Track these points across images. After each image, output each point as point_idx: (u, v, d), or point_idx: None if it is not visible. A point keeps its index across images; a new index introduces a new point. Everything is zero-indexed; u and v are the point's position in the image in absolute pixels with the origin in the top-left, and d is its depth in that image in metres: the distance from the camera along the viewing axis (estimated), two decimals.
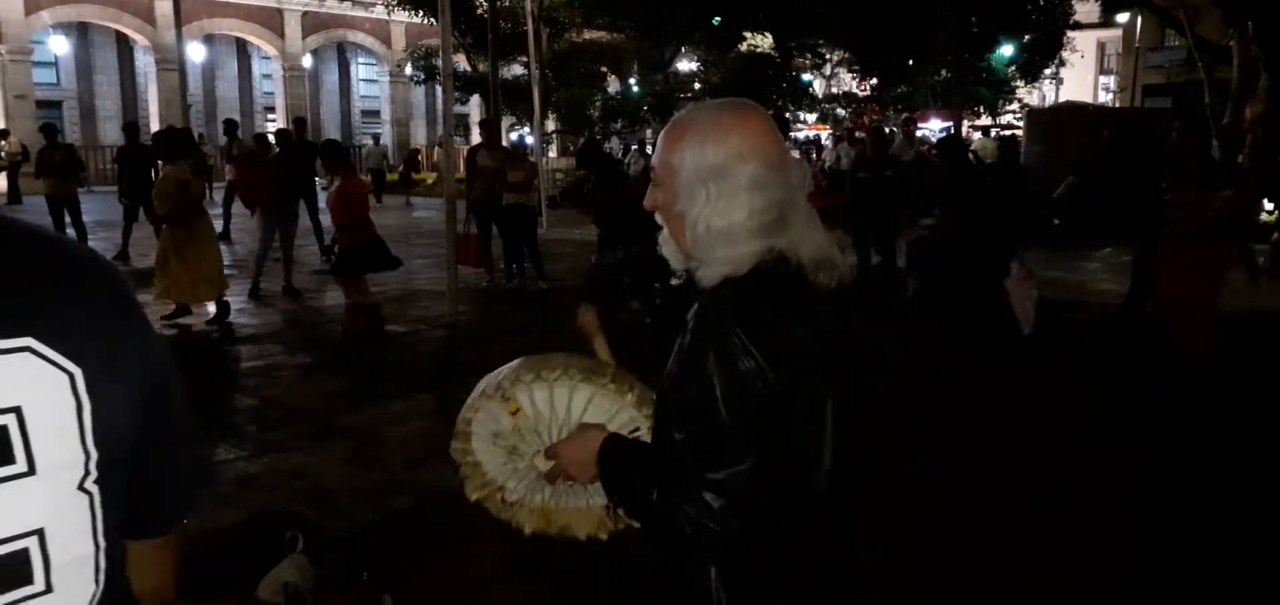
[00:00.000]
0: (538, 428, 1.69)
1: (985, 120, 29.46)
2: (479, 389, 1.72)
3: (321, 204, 11.11)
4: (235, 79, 35.34)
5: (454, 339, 7.99)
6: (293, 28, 32.11)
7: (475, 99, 29.09)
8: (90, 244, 11.10)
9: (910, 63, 26.18)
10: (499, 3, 20.17)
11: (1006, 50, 26.87)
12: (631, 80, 29.98)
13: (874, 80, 28.76)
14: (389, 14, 28.36)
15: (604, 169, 9.45)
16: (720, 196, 1.41)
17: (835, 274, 1.47)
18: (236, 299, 9.11)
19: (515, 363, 1.71)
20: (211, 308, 8.42)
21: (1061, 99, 30.20)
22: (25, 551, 0.75)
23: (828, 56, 31.39)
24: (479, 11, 21.77)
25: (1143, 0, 22.87)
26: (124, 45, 31.43)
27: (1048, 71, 29.39)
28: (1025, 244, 8.39)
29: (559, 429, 1.67)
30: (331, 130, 36.18)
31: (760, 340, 1.33)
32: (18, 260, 0.77)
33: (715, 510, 1.35)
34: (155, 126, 26.02)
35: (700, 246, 1.44)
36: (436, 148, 24.88)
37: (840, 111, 31.98)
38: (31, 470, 0.75)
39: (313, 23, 32.71)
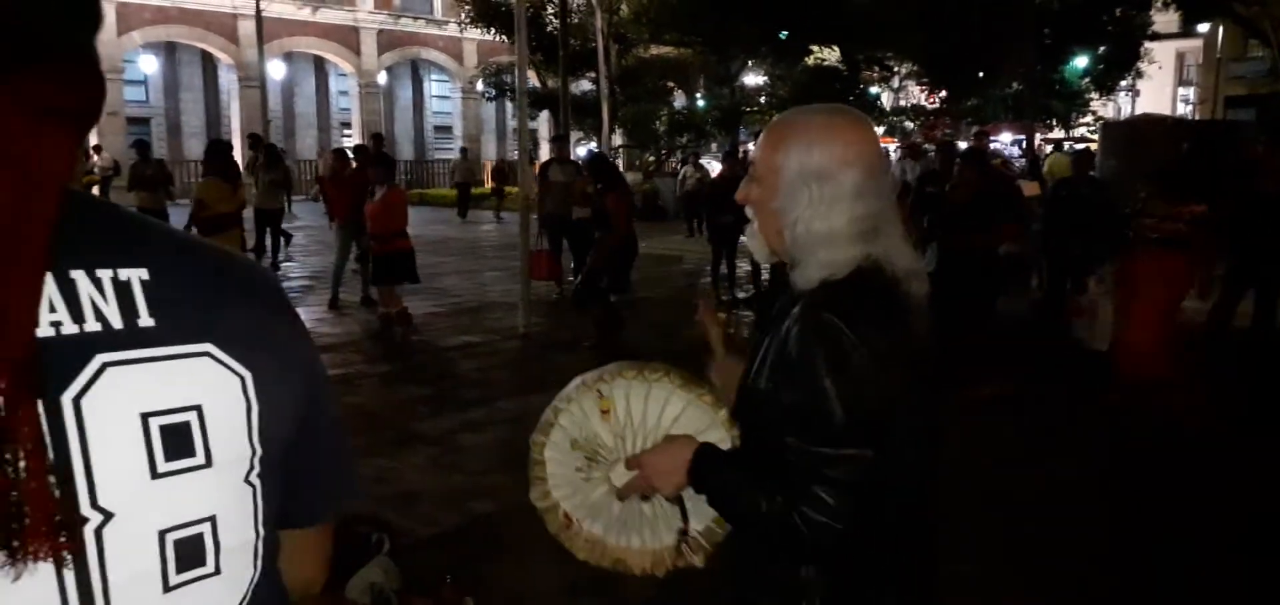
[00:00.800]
0: (623, 434, 1.62)
1: (1058, 133, 28.84)
2: (577, 381, 1.65)
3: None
4: (313, 95, 36.35)
5: (526, 350, 8.16)
6: (368, 45, 32.93)
7: (544, 115, 29.47)
8: None
9: (981, 75, 25.79)
10: (569, 20, 20.44)
11: (1080, 62, 26.29)
12: (697, 95, 30.04)
13: (943, 93, 28.40)
14: (462, 31, 28.94)
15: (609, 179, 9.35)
16: (823, 200, 1.43)
17: (923, 285, 1.49)
18: (316, 311, 9.42)
19: (617, 363, 1.66)
20: None
21: (1138, 111, 29.40)
22: (200, 536, 0.83)
23: (896, 69, 31.08)
24: (549, 29, 22.11)
25: (1225, 10, 22.21)
26: (209, 63, 32.59)
27: (1124, 83, 28.67)
28: (1103, 260, 8.24)
29: (645, 439, 1.61)
30: (405, 146, 36.98)
31: (869, 340, 1.35)
32: (199, 273, 0.86)
33: (834, 507, 1.35)
34: (238, 141, 26.96)
35: (799, 247, 1.46)
36: (455, 161, 25.15)
37: (908, 125, 31.63)
38: (208, 463, 0.83)
39: (388, 40, 33.51)
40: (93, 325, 0.76)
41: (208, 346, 0.83)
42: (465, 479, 4.89)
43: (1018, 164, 17.77)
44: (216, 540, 0.83)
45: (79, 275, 0.77)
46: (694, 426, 1.59)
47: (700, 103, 29.47)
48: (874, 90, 31.17)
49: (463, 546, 4.03)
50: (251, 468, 0.86)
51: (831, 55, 29.29)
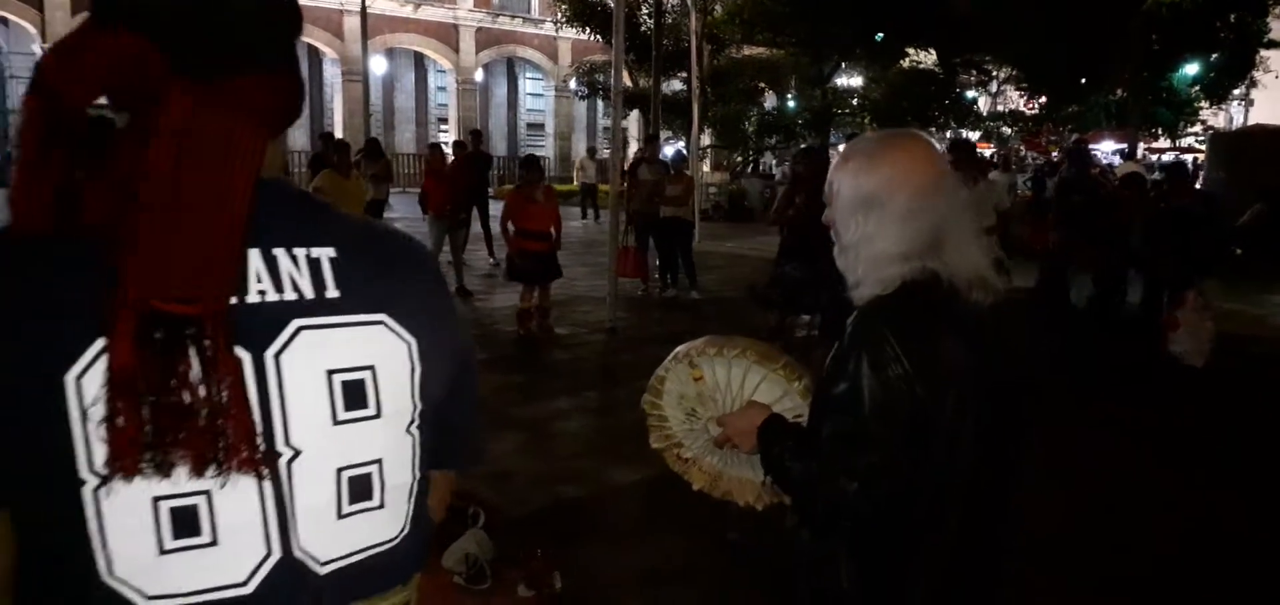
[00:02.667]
0: (715, 396, 1.90)
1: (1164, 142, 27.83)
2: (672, 354, 1.95)
3: (494, 211, 11.76)
4: (412, 90, 37.40)
5: (613, 343, 8.38)
6: (467, 42, 33.71)
7: (634, 114, 29.74)
8: None
9: (1083, 81, 25.03)
10: (663, 20, 20.63)
11: (1191, 69, 25.26)
12: (788, 96, 29.88)
13: (1042, 98, 27.65)
14: (557, 31, 29.37)
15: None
16: (870, 225, 1.56)
17: (990, 293, 1.58)
18: None
19: (704, 338, 1.94)
20: None
21: (1250, 122, 28.09)
22: (369, 475, 1.00)
23: (994, 73, 30.38)
24: (643, 29, 22.33)
25: None
26: (314, 57, 33.80)
27: (1236, 92, 27.43)
28: (1202, 274, 8.04)
29: (732, 402, 1.87)
30: (499, 142, 37.71)
31: (910, 350, 1.48)
32: (378, 255, 1.04)
33: (850, 494, 1.50)
34: (340, 134, 27.90)
35: (852, 269, 1.61)
36: (582, 159, 25.38)
37: (1005, 130, 30.87)
38: (378, 414, 1.00)
39: (486, 38, 34.24)
40: (290, 294, 0.95)
41: (383, 317, 1.01)
42: (555, 463, 5.12)
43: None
44: (382, 479, 1.01)
45: (280, 252, 0.95)
46: (772, 395, 1.84)
47: (790, 104, 29.32)
48: (970, 94, 30.54)
49: (551, 526, 4.24)
50: (413, 420, 1.04)
51: (928, 58, 28.80)
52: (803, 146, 14.06)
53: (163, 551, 0.88)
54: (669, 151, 14.55)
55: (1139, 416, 6.22)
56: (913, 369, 1.47)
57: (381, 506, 1.02)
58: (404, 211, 17.96)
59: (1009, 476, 1.67)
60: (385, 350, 1.00)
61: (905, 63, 28.31)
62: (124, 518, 0.86)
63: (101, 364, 0.83)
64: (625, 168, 11.24)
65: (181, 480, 0.87)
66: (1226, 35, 24.17)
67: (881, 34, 25.42)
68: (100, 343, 0.84)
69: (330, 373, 0.96)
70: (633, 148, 24.36)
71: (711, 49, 24.14)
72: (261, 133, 0.94)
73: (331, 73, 32.79)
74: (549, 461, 5.14)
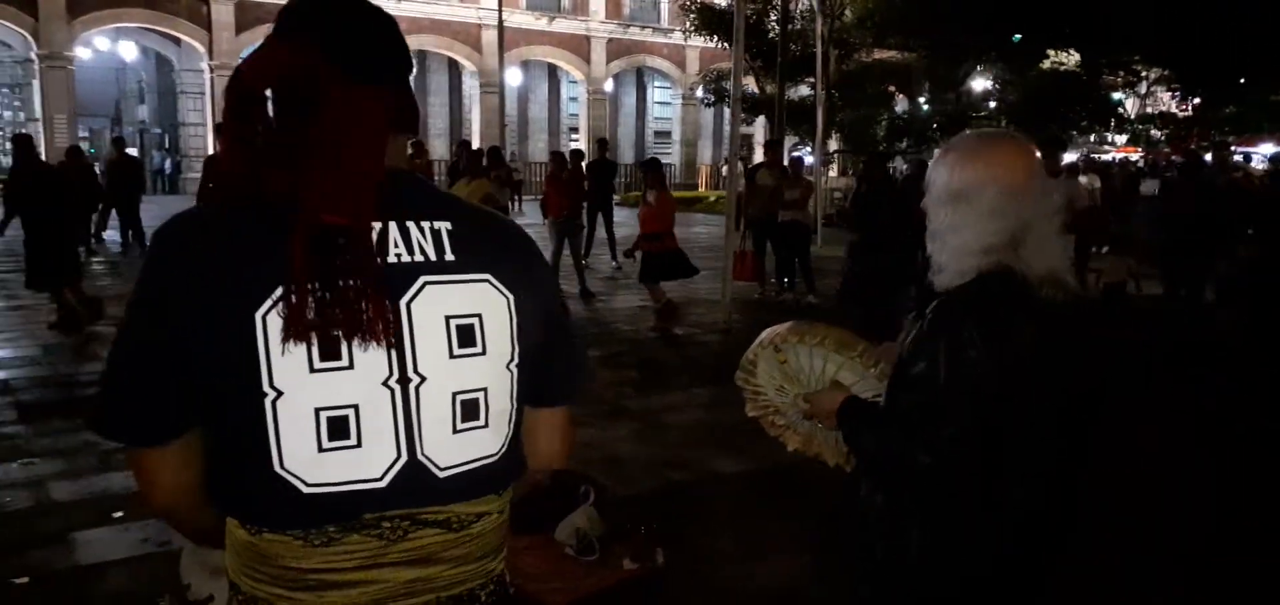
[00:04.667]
0: (799, 377, 2.09)
1: None
2: (759, 338, 2.15)
3: (620, 217, 12.19)
4: (546, 101, 38.54)
5: (726, 343, 8.56)
6: (598, 53, 34.48)
7: (760, 119, 29.76)
8: None
9: (1242, 80, 23.59)
10: (790, 26, 20.66)
11: None
12: (921, 99, 29.29)
13: (1196, 99, 26.18)
14: (686, 40, 29.75)
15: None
16: (958, 216, 1.70)
17: (1061, 291, 1.69)
18: None
19: (788, 324, 2.14)
20: None
21: None
22: (477, 400, 1.25)
23: (1143, 73, 28.94)
24: (770, 35, 22.39)
25: None
26: (454, 71, 35.30)
27: None
28: None
29: (815, 382, 2.07)
30: (626, 150, 38.40)
31: (987, 336, 1.62)
32: (483, 230, 1.30)
33: (923, 465, 1.67)
34: (477, 143, 29.08)
35: (939, 255, 1.75)
36: (722, 166, 25.63)
37: (1155, 133, 29.38)
38: (484, 352, 1.25)
39: (616, 48, 34.93)
40: (418, 256, 1.22)
41: (488, 277, 1.26)
42: (664, 451, 5.36)
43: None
44: (487, 405, 1.26)
45: (411, 225, 1.23)
46: (850, 378, 2.03)
47: (923, 107, 28.75)
48: (1116, 96, 29.20)
49: (658, 508, 4.48)
50: (511, 359, 1.29)
51: (1070, 59, 27.71)
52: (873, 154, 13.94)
53: (320, 450, 1.14)
54: (792, 156, 14.63)
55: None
56: (986, 354, 1.62)
57: (486, 426, 1.26)
58: (532, 218, 18.63)
59: (1072, 459, 1.79)
60: (489, 303, 1.26)
61: (1046, 64, 27.32)
62: (293, 423, 1.13)
63: (280, 304, 1.11)
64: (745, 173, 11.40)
65: (336, 393, 1.14)
66: None
67: (1019, 35, 24.66)
68: (279, 290, 1.12)
69: (448, 318, 1.22)
70: (758, 154, 24.44)
71: (839, 54, 23.95)
72: (388, 115, 1.22)
73: (470, 85, 34.15)
74: (659, 449, 5.38)
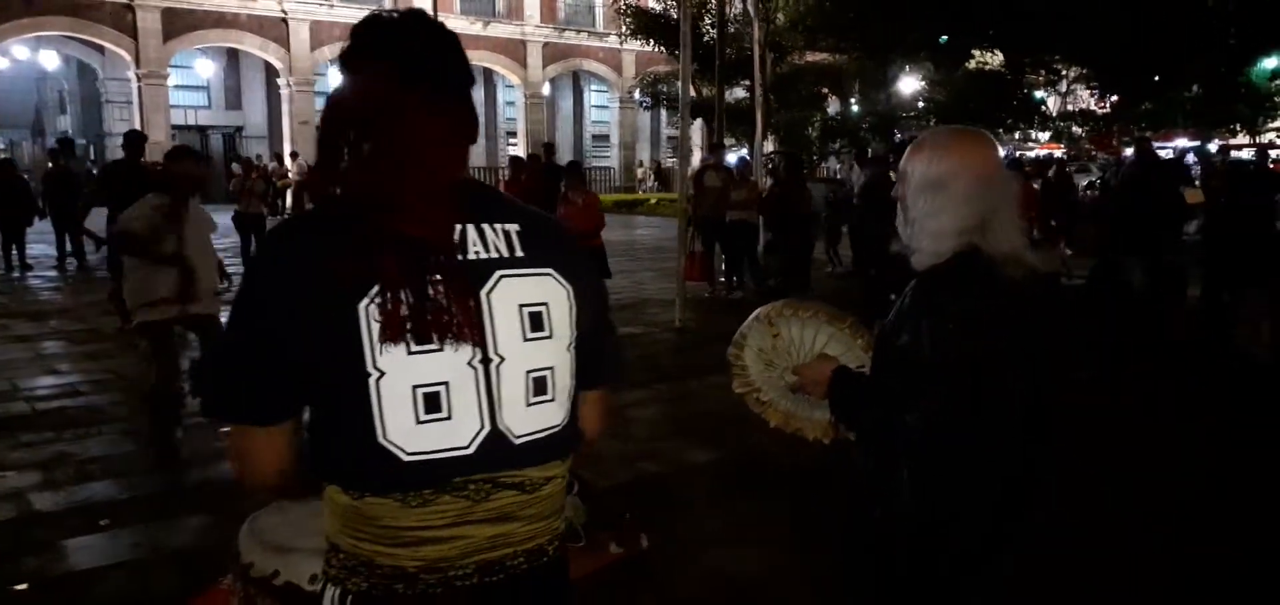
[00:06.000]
0: (790, 350, 2.26)
1: (1242, 139, 27.14)
2: (753, 315, 2.32)
3: None
4: (482, 105, 38.30)
5: (682, 342, 8.82)
6: (535, 58, 34.47)
7: (697, 122, 30.05)
8: None
9: (1156, 78, 24.60)
10: (726, 29, 20.99)
11: (1270, 63, 24.65)
12: (852, 100, 29.89)
13: (1114, 97, 27.21)
14: (621, 43, 29.88)
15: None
16: (935, 203, 1.91)
17: (1022, 269, 1.89)
18: None
19: (782, 301, 2.32)
20: None
21: None
22: (546, 377, 1.44)
23: (1063, 72, 29.93)
24: (706, 39, 22.70)
25: None
26: None
27: None
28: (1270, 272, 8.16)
29: (805, 355, 2.24)
30: (565, 153, 38.33)
31: (964, 311, 1.83)
32: (545, 230, 1.49)
33: (911, 427, 1.88)
34: None
35: (915, 238, 1.96)
36: (640, 167, 25.86)
37: (1075, 130, 30.41)
38: (551, 336, 1.44)
39: (552, 52, 34.95)
40: (493, 253, 1.41)
41: (551, 271, 1.46)
42: (634, 445, 5.57)
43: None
44: (554, 382, 1.45)
45: (485, 226, 1.42)
46: (838, 349, 2.21)
47: (854, 108, 29.35)
48: (1039, 94, 30.13)
49: (635, 497, 4.69)
50: (571, 343, 1.48)
51: (994, 59, 28.56)
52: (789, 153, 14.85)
53: (418, 422, 1.32)
54: (731, 159, 14.94)
55: (1195, 404, 6.44)
56: (965, 326, 1.84)
57: (553, 400, 1.45)
58: None
59: (1041, 422, 1.99)
60: (554, 293, 1.46)
61: (971, 64, 28.09)
62: (393, 399, 1.30)
63: (379, 299, 1.29)
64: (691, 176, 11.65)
65: (430, 372, 1.31)
66: None
67: (946, 36, 25.35)
68: (377, 286, 1.29)
69: (521, 306, 1.41)
70: (695, 157, 24.74)
71: (774, 57, 24.38)
72: (457, 129, 1.41)
73: None
74: (629, 443, 5.59)
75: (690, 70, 9.01)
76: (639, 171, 36.18)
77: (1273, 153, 23.33)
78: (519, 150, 33.81)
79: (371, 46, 1.39)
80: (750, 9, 21.10)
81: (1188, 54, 22.25)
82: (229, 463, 1.45)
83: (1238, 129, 26.95)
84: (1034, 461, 2.03)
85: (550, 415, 1.45)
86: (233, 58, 31.80)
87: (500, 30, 33.71)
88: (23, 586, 3.75)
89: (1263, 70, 24.66)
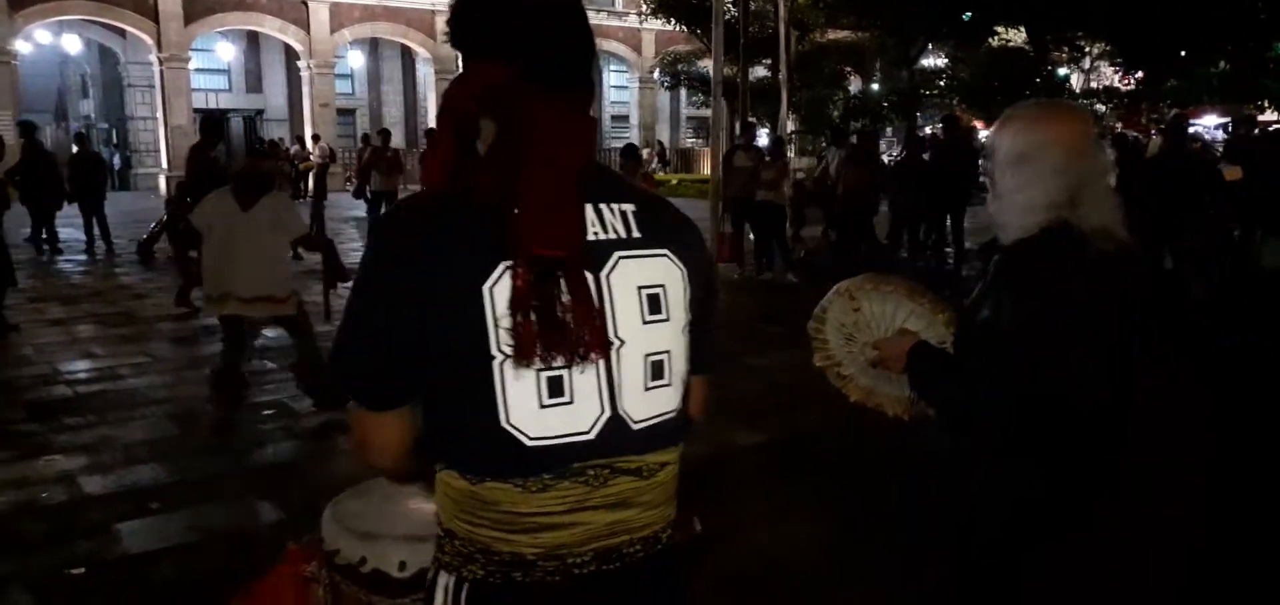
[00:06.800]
0: (871, 325, 2.24)
1: (1271, 115, 26.73)
2: (835, 289, 2.31)
3: None
4: None
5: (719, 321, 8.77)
6: None
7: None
8: None
9: (1183, 53, 24.28)
10: (749, 7, 20.85)
11: None
12: (874, 79, 29.68)
13: (1139, 74, 26.86)
14: (641, 22, 29.72)
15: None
16: (1022, 177, 1.89)
17: (1113, 243, 1.87)
18: None
19: (863, 275, 2.30)
20: None
21: None
22: (662, 361, 1.40)
23: (1087, 49, 29.59)
24: (727, 18, 22.56)
25: None
26: (407, 57, 34.93)
27: None
28: None
29: (885, 330, 2.22)
30: None
31: (1048, 285, 1.81)
32: (659, 210, 1.46)
33: (990, 403, 1.86)
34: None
35: (1003, 213, 1.94)
36: (646, 150, 25.82)
37: (1099, 108, 30.11)
38: (668, 319, 1.40)
39: None
40: (611, 234, 1.37)
41: (666, 251, 1.42)
42: None
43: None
44: (670, 366, 1.42)
45: (603, 207, 1.38)
46: (919, 325, 2.19)
47: (876, 87, 29.14)
48: (1063, 72, 29.83)
49: (683, 480, 4.66)
50: (686, 325, 1.45)
51: (1017, 36, 28.28)
52: (861, 131, 14.69)
53: (541, 406, 1.29)
54: (763, 139, 14.86)
55: None
56: (1048, 301, 1.81)
57: (669, 385, 1.42)
58: None
59: (1124, 398, 1.98)
60: (670, 274, 1.42)
61: (994, 41, 27.82)
62: (518, 383, 1.28)
63: (505, 279, 1.26)
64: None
65: (555, 360, 1.29)
66: None
67: (969, 12, 25.11)
68: (503, 265, 1.26)
69: (639, 288, 1.38)
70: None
71: (797, 35, 24.21)
72: (591, 123, 1.38)
73: (424, 72, 33.83)
74: None
75: (722, 47, 8.93)
76: (645, 152, 35.96)
77: None
78: None
79: (492, 39, 1.35)
80: None
81: (1216, 30, 21.90)
82: (353, 444, 1.44)
83: (1265, 105, 26.59)
84: (1118, 439, 1.99)
85: (666, 400, 1.42)
86: (253, 41, 31.85)
87: None
88: (79, 570, 3.76)
89: None
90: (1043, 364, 1.82)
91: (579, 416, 1.32)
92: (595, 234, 1.35)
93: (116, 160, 31.05)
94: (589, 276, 1.32)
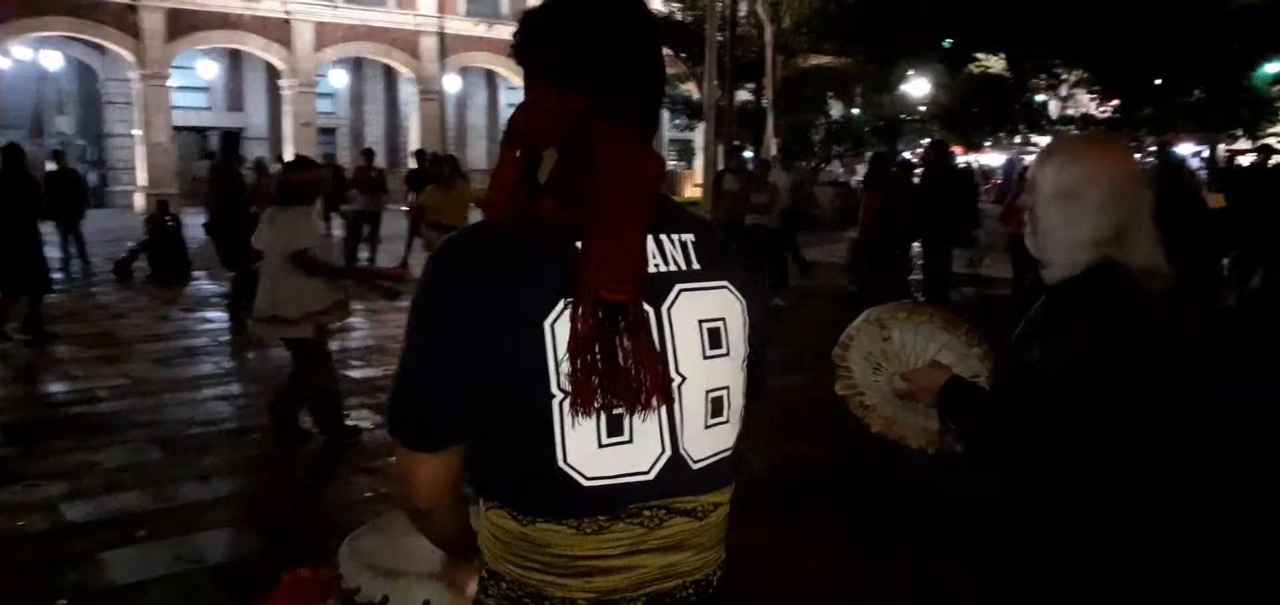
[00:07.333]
0: (901, 354, 2.14)
1: (1244, 143, 27.14)
2: (863, 316, 2.21)
3: None
4: (484, 108, 38.22)
5: None
6: None
7: (701, 125, 30.01)
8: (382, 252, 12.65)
9: (1158, 82, 24.64)
10: (735, 32, 20.96)
11: (1271, 68, 24.70)
12: (855, 104, 29.90)
13: (1115, 101, 27.21)
14: None
15: None
16: (1067, 213, 1.81)
17: (1162, 281, 1.81)
18: None
19: (895, 303, 2.21)
20: None
21: None
22: (722, 397, 1.33)
23: (1064, 76, 29.96)
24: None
25: None
26: (390, 77, 34.83)
27: None
28: None
29: (915, 360, 2.12)
30: None
31: (1098, 326, 1.75)
32: (716, 240, 1.39)
33: (1036, 447, 1.79)
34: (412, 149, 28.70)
35: (1048, 250, 1.87)
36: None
37: (1075, 133, 30.45)
38: (728, 353, 1.34)
39: None
40: (672, 266, 1.31)
41: (725, 283, 1.36)
42: None
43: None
44: (729, 401, 1.35)
45: (664, 237, 1.31)
46: (952, 357, 2.09)
47: (857, 112, 29.36)
48: (1041, 98, 30.16)
49: None
50: (744, 358, 1.38)
51: (997, 63, 28.60)
52: (875, 152, 14.53)
53: (600, 446, 1.23)
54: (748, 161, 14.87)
55: None
56: (1098, 342, 1.74)
57: (727, 422, 1.35)
58: None
59: (1172, 441, 1.89)
60: (730, 307, 1.36)
61: (974, 68, 28.12)
62: (577, 422, 1.21)
63: (566, 315, 1.19)
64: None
65: (615, 407, 1.21)
66: None
67: (950, 40, 25.38)
68: (564, 301, 1.20)
69: (700, 321, 1.31)
70: (698, 159, 24.68)
71: (782, 59, 24.36)
72: (659, 157, 1.31)
73: (407, 92, 33.75)
74: None
75: (716, 71, 8.91)
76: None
77: (1274, 158, 23.39)
78: None
79: (563, 64, 1.29)
80: (760, 11, 21.02)
81: (1190, 58, 22.25)
82: (397, 485, 1.37)
83: (1238, 134, 26.99)
84: (1172, 485, 1.93)
85: (724, 437, 1.35)
86: (235, 58, 31.62)
87: (504, 32, 33.47)
88: (62, 602, 3.62)
89: (1264, 75, 24.74)
90: (1094, 409, 1.75)
91: (639, 456, 1.26)
92: (656, 266, 1.28)
93: (92, 177, 30.72)
94: (650, 310, 1.25)
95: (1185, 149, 24.71)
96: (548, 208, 1.24)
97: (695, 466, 1.30)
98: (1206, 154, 26.40)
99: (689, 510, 1.31)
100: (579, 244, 1.21)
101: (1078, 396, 1.76)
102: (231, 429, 5.84)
